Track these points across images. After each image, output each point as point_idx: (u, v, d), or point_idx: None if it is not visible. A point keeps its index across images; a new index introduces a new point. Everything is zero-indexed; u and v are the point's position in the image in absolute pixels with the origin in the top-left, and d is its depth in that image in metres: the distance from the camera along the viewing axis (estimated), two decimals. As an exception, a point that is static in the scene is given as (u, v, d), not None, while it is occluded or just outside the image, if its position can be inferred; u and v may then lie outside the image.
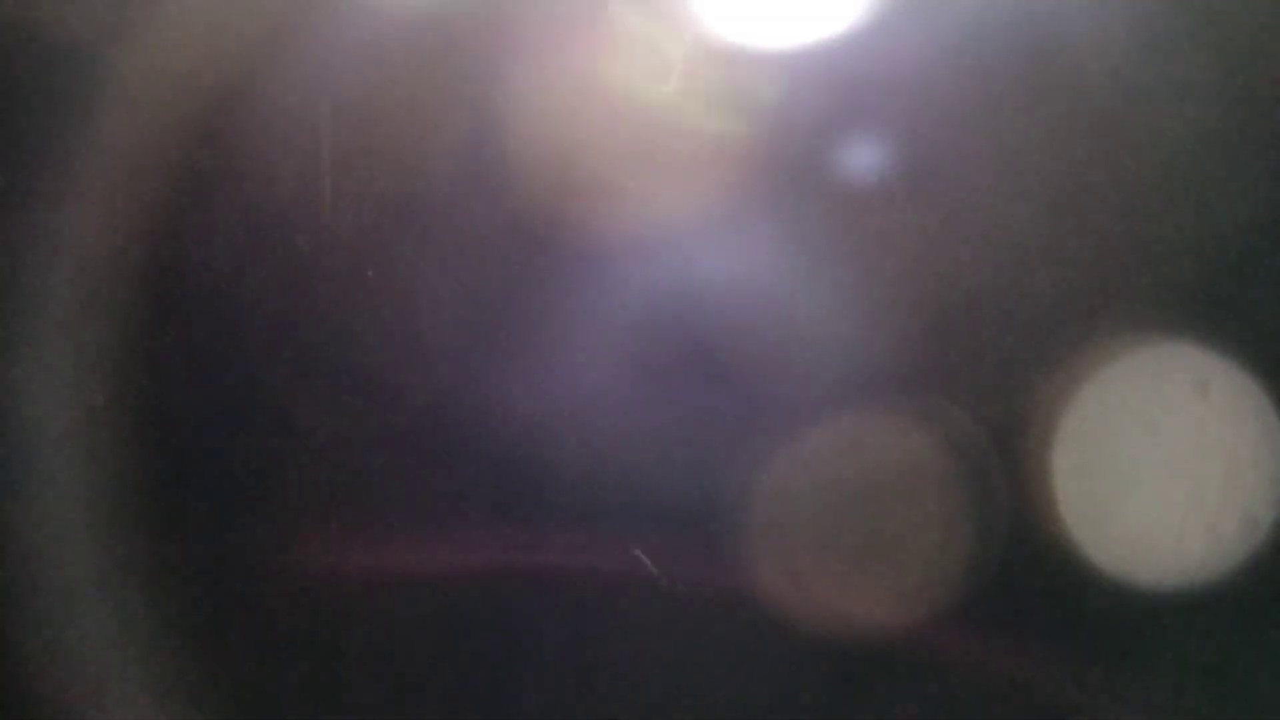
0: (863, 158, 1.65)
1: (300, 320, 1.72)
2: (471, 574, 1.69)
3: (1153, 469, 1.60)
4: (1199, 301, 1.61)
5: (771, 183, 1.65)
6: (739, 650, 1.65)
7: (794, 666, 1.64)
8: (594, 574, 1.68)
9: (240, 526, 1.72)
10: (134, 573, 1.69)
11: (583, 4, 1.67)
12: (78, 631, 1.68)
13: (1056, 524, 1.59)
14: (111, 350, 1.71)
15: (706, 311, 1.68)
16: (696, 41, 1.64)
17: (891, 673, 1.63)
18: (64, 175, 1.70)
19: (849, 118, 1.64)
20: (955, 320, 1.65)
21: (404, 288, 1.72)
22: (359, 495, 1.72)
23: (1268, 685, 1.57)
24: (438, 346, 1.73)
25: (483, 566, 1.70)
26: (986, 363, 1.65)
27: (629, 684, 1.65)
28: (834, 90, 1.64)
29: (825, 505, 1.68)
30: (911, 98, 1.62)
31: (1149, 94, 1.60)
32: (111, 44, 1.69)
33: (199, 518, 1.72)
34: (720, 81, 1.63)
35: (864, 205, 1.65)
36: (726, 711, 1.67)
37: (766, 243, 1.67)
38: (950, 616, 1.62)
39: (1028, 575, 1.62)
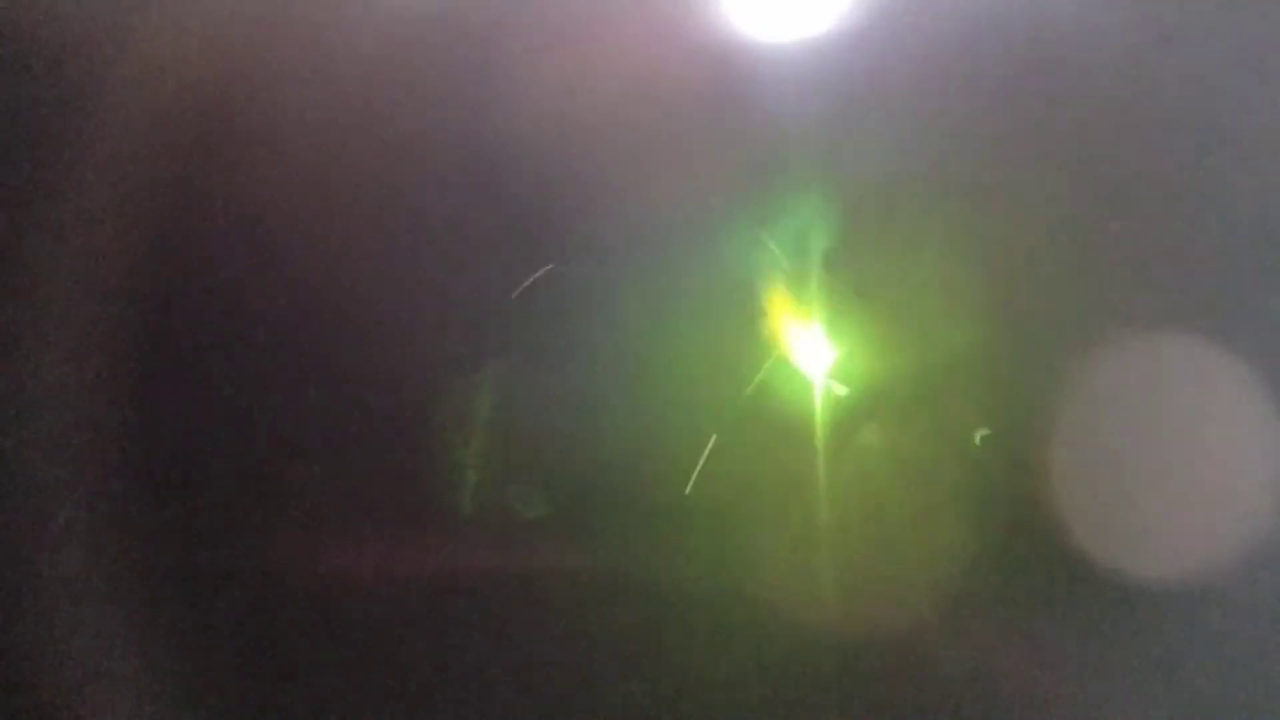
0: (865, 156, 1.65)
1: (301, 320, 1.72)
2: (471, 574, 1.69)
3: (1153, 468, 1.60)
4: (1200, 299, 1.61)
5: (777, 181, 1.66)
6: (738, 651, 1.65)
7: (794, 666, 1.64)
8: (593, 573, 1.68)
9: (238, 526, 1.72)
10: (132, 573, 1.69)
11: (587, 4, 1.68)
12: (76, 632, 1.67)
13: (1057, 523, 1.59)
14: (110, 350, 1.72)
15: (707, 311, 1.68)
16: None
17: (891, 673, 1.63)
18: (64, 175, 1.70)
19: (852, 117, 1.64)
20: (956, 318, 1.65)
21: (404, 288, 1.72)
22: (358, 495, 1.72)
23: (1268, 685, 1.57)
24: (439, 347, 1.73)
25: (484, 566, 1.70)
26: (986, 361, 1.65)
27: (628, 684, 1.65)
28: (837, 89, 1.64)
29: (825, 505, 1.68)
30: (915, 97, 1.62)
31: (1150, 93, 1.60)
32: (111, 44, 1.69)
33: (198, 518, 1.72)
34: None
35: (865, 204, 1.65)
36: (726, 711, 1.67)
37: (768, 240, 1.67)
38: (949, 616, 1.62)
39: (1028, 574, 1.62)
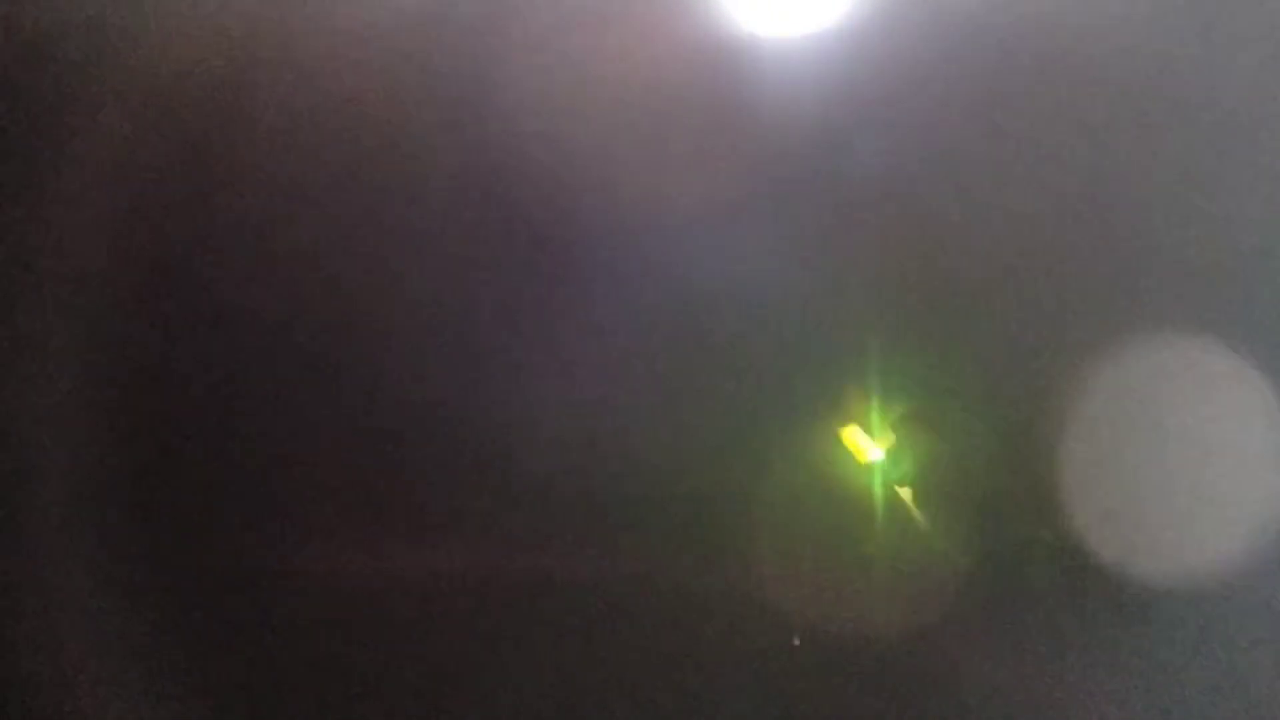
0: (870, 155, 1.65)
1: (299, 321, 1.72)
2: (470, 576, 1.69)
3: (1158, 468, 1.61)
4: (1205, 299, 1.61)
5: (779, 179, 1.66)
6: (738, 653, 1.65)
7: (795, 668, 1.64)
8: (592, 575, 1.68)
9: (236, 528, 1.72)
10: (130, 573, 1.69)
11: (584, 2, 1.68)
12: (74, 632, 1.67)
13: (1062, 522, 1.59)
14: (109, 351, 1.71)
15: (707, 310, 1.69)
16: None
17: (893, 674, 1.63)
18: (63, 175, 1.70)
19: (856, 114, 1.64)
20: (960, 318, 1.66)
21: (402, 288, 1.72)
22: (362, 498, 1.72)
23: (1270, 684, 1.57)
24: (437, 348, 1.73)
25: (482, 568, 1.70)
26: (991, 361, 1.65)
27: (627, 686, 1.65)
28: (842, 87, 1.64)
29: (826, 505, 1.69)
30: (919, 96, 1.63)
31: (1153, 93, 1.61)
32: (111, 44, 1.69)
33: (197, 519, 1.71)
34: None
35: (870, 202, 1.66)
36: (726, 713, 1.67)
37: (772, 240, 1.67)
38: (951, 616, 1.62)
39: (1031, 574, 1.63)
